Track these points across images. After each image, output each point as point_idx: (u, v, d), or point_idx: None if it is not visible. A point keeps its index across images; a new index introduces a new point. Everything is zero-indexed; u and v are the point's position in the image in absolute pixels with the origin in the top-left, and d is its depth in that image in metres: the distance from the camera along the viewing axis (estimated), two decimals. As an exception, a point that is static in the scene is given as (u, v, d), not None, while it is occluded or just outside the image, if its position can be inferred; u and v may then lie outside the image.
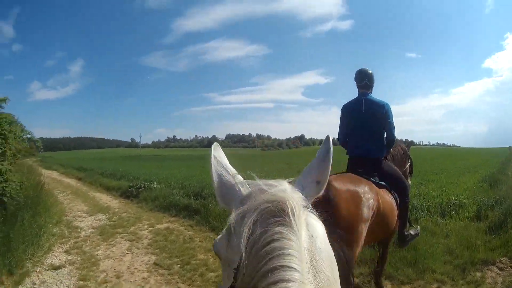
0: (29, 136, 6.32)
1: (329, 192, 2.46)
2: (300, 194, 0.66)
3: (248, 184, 0.72)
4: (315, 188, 0.75)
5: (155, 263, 4.63)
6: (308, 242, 0.60)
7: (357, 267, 3.94)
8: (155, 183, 10.81)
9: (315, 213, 0.67)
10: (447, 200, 6.73)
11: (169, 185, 10.53)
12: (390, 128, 3.21)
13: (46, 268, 4.50)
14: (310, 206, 0.68)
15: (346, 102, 3.43)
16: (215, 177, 0.75)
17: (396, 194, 3.08)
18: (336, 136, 3.53)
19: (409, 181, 3.74)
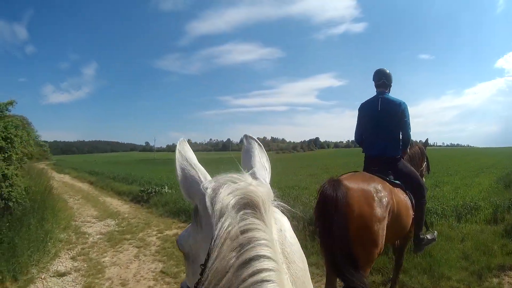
0: (36, 139, 6.35)
1: (340, 191, 2.38)
2: (268, 187, 0.67)
3: (212, 178, 0.71)
4: (268, 176, 0.78)
5: (161, 271, 4.55)
6: (278, 235, 0.61)
7: (370, 275, 3.76)
8: (166, 187, 10.49)
9: (279, 208, 0.68)
10: (462, 203, 6.49)
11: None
12: (406, 127, 3.15)
13: (51, 275, 4.47)
14: (275, 199, 0.68)
15: (363, 101, 3.38)
16: (179, 171, 0.75)
17: (411, 194, 2.99)
18: (352, 138, 3.54)
19: (424, 179, 3.62)
